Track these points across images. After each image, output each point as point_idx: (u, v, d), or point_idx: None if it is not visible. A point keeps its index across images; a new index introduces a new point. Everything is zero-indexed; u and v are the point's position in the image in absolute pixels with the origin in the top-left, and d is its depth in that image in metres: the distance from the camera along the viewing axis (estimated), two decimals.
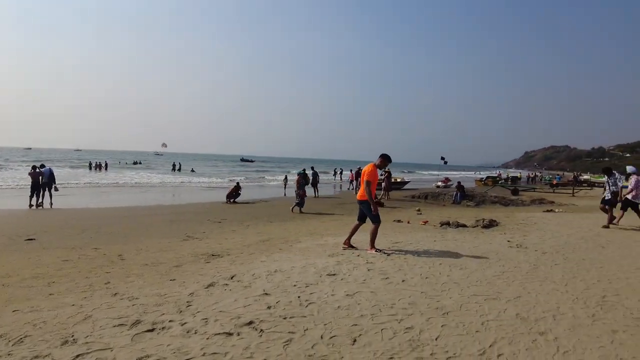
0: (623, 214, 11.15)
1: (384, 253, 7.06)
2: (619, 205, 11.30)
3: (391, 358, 3.27)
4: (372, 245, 7.23)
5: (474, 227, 10.73)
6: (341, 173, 45.19)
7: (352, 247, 7.55)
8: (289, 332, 3.69)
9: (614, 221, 11.03)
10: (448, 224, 10.80)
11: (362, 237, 7.99)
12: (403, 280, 5.36)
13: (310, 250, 7.60)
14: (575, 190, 31.98)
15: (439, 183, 36.32)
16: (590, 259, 7.03)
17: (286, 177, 28.42)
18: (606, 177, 11.67)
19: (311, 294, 4.78)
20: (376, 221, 7.17)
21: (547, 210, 14.49)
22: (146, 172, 47.05)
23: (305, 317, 4.06)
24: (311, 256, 6.93)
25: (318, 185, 23.77)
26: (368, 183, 7.04)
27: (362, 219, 7.51)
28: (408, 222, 11.40)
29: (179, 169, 52.82)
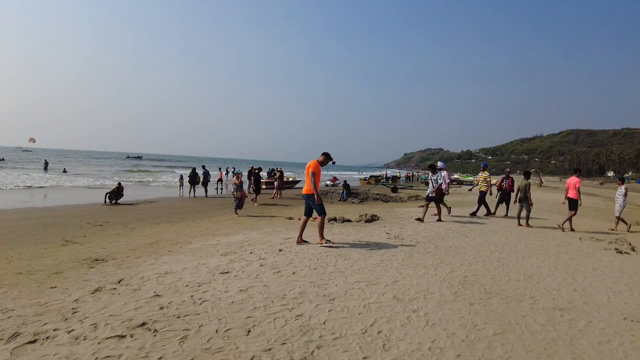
0: (440, 209, 12.15)
1: (332, 244, 7.66)
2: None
3: (284, 344, 3.53)
4: (322, 236, 7.68)
5: (358, 221, 11.59)
6: (233, 172, 44.32)
7: (305, 242, 7.85)
8: (184, 330, 3.73)
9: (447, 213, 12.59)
10: (335, 219, 11.49)
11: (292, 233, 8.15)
12: (294, 273, 5.68)
13: (202, 250, 7.54)
14: (448, 189, 35.83)
15: (328, 182, 37.92)
16: (456, 247, 8.13)
17: (182, 177, 24.71)
18: (430, 174, 12.55)
19: (204, 292, 4.83)
20: (322, 213, 7.59)
21: (422, 206, 16.15)
22: (11, 171, 40.87)
23: (199, 314, 4.12)
24: (203, 256, 6.90)
25: (208, 185, 23.09)
26: (314, 174, 7.45)
27: (309, 214, 7.84)
28: (299, 219, 11.83)
29: (45, 168, 46.62)
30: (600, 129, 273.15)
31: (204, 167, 23.79)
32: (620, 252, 8.52)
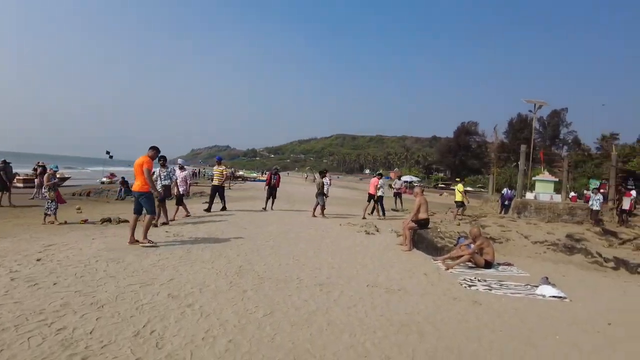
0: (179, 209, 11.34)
1: (155, 245, 7.27)
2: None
3: None
4: (145, 236, 7.32)
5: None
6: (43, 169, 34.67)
7: (138, 242, 7.35)
8: None
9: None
10: (109, 220, 10.39)
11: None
12: (55, 284, 4.88)
13: None
14: (231, 184, 36.75)
15: (104, 179, 33.94)
16: (234, 239, 8.39)
17: None
18: (159, 169, 10.76)
19: None
20: (152, 212, 7.52)
21: (206, 202, 16.13)
22: None
23: None
24: None
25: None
26: (148, 170, 7.35)
27: (138, 212, 7.54)
28: (65, 223, 10.20)
29: None
30: (360, 134, 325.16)
31: (4, 161, 15.54)
32: (368, 234, 10.36)
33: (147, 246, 7.17)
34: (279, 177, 15.08)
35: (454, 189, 19.55)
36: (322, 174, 14.71)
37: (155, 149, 7.82)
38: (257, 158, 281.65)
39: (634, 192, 17.42)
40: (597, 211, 14.68)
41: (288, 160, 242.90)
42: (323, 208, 13.77)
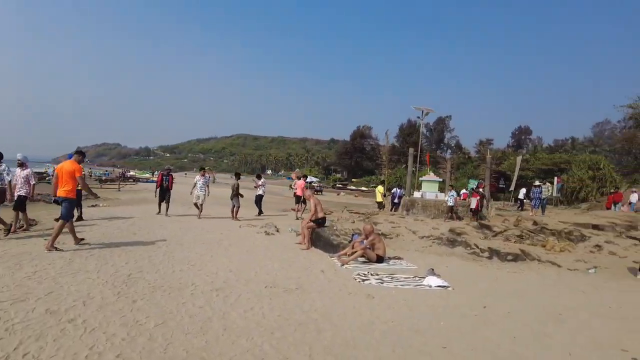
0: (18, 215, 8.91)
1: (61, 251, 6.96)
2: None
3: None
4: (52, 244, 7.03)
5: (6, 229, 9.35)
6: None
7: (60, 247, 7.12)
8: None
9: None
10: None
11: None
12: None
13: None
14: (121, 185, 33.96)
15: None
16: (123, 246, 7.76)
17: None
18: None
19: None
20: (67, 217, 7.28)
21: (92, 206, 14.69)
22: None
23: None
24: None
25: None
26: (82, 178, 7.40)
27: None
28: None
29: None
30: (262, 135, 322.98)
31: None
32: (268, 234, 10.34)
33: (52, 252, 6.80)
34: (172, 178, 13.75)
35: (351, 189, 20.88)
36: (237, 175, 14.91)
37: (80, 153, 7.77)
38: (151, 157, 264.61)
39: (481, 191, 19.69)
40: (451, 207, 16.52)
41: (185, 160, 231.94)
42: (237, 210, 13.76)
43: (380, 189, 19.57)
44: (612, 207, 18.38)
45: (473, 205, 16.43)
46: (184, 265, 6.60)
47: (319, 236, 9.31)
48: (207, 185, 13.76)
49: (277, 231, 10.89)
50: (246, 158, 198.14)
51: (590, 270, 8.39)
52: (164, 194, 13.38)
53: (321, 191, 42.50)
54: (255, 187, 16.34)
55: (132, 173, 60.31)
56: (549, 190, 20.28)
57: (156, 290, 5.18)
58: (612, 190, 21.91)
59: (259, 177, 16.79)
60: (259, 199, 15.86)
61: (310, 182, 50.48)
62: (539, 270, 8.38)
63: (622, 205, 18.33)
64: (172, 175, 14.02)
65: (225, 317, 4.48)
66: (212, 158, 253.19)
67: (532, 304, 5.80)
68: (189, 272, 6.24)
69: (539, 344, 4.32)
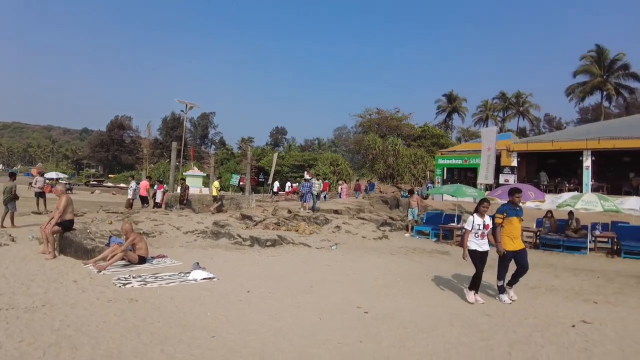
0: None
1: None
2: None
3: None
4: None
5: None
6: None
7: None
8: None
9: None
10: None
11: None
12: None
13: None
14: None
15: None
16: None
17: None
18: None
19: None
20: None
21: None
22: None
23: None
24: None
25: None
26: None
27: None
28: None
29: None
30: None
31: None
32: (1, 245, 8.31)
33: None
34: None
35: (108, 186, 19.20)
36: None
37: None
38: None
39: (165, 187, 20.20)
40: (129, 199, 17.34)
41: None
42: (13, 216, 11.24)
43: (216, 184, 19.64)
44: (355, 194, 22.72)
45: (159, 199, 17.13)
46: None
47: (69, 241, 8.02)
48: None
49: (13, 240, 8.85)
50: None
51: (332, 247, 10.00)
52: None
53: (71, 189, 36.53)
54: None
55: None
56: (320, 186, 23.18)
57: None
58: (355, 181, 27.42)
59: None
60: None
61: (57, 179, 42.79)
62: (294, 251, 9.49)
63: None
64: None
65: None
66: None
67: (288, 282, 6.54)
68: None
69: (294, 316, 4.92)
